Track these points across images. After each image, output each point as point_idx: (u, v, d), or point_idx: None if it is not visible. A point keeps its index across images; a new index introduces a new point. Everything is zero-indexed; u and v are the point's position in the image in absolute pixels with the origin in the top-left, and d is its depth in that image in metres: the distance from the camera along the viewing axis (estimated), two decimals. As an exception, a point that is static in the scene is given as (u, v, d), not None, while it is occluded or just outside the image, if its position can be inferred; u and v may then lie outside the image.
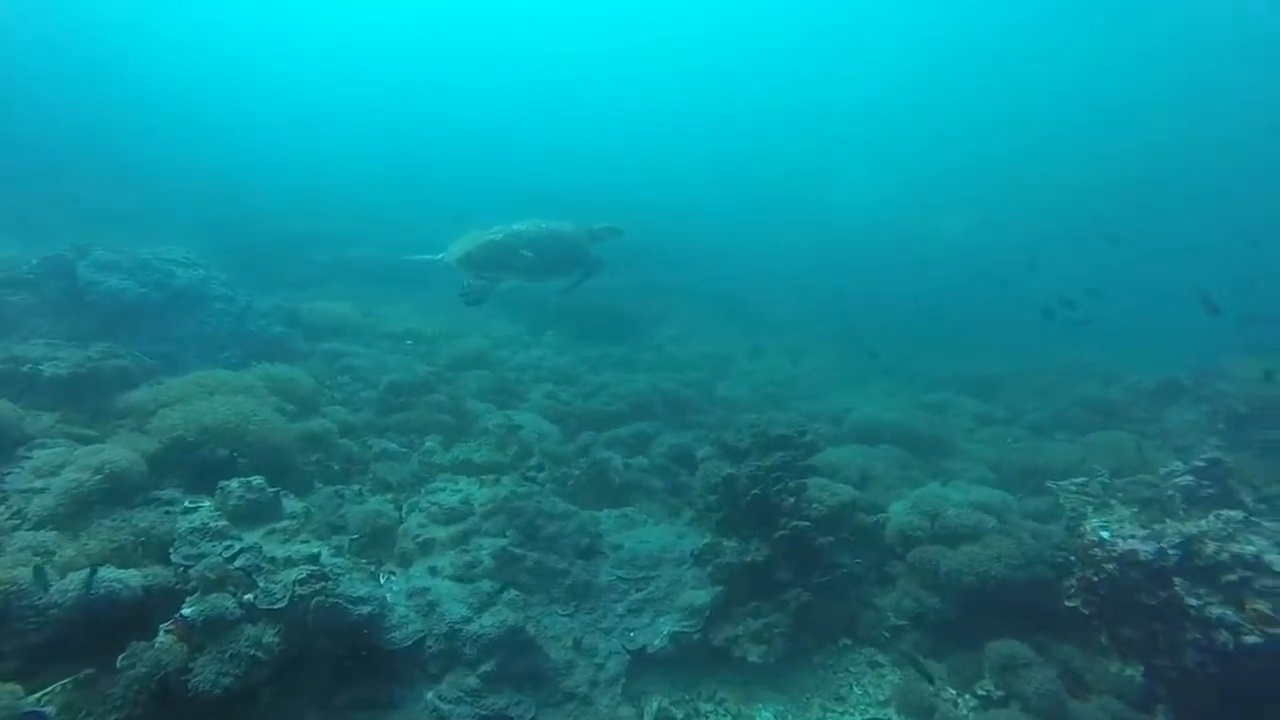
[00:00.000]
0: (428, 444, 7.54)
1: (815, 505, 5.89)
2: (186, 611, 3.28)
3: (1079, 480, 5.55)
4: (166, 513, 4.22)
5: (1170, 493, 5.11)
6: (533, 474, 7.37)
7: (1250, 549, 4.35)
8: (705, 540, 6.05)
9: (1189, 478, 5.18)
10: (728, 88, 51.65)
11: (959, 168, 39.98)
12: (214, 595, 3.40)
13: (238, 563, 3.69)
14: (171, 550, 3.73)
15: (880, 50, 44.86)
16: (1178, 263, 20.53)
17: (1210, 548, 4.46)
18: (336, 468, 6.30)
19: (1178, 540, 4.59)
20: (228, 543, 3.87)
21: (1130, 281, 20.68)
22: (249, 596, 3.51)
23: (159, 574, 3.61)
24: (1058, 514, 5.64)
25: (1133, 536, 4.47)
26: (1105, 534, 4.59)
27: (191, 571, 3.51)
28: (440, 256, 6.11)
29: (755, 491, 5.94)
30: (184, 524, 4.00)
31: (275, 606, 3.52)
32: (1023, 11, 35.77)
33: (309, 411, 7.18)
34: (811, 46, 47.77)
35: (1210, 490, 5.14)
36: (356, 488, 6.13)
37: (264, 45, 50.87)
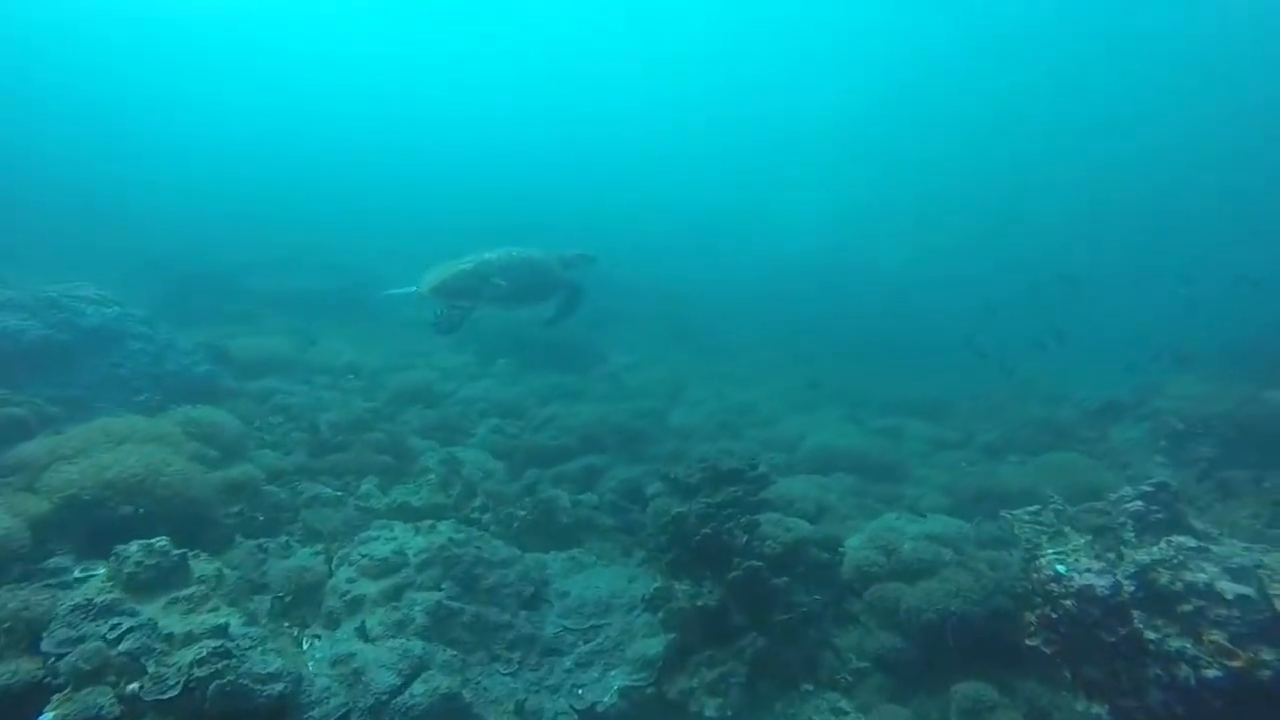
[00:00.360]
0: (364, 487, 7.11)
1: (769, 543, 5.67)
2: (47, 717, 2.84)
3: (1032, 509, 5.47)
4: (47, 586, 3.75)
5: (1122, 519, 5.05)
6: (476, 515, 7.02)
7: (1202, 576, 4.29)
8: (656, 583, 5.77)
9: (1138, 503, 5.14)
10: (676, 111, 52.55)
11: (909, 194, 41.08)
12: (87, 691, 2.97)
13: (124, 645, 3.26)
14: (45, 635, 3.27)
15: (836, 73, 46.09)
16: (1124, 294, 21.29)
17: (1164, 577, 4.39)
18: (261, 518, 5.84)
19: (1132, 570, 4.51)
20: (115, 621, 3.43)
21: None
22: (133, 687, 3.09)
23: (21, 669, 3.15)
24: (1013, 541, 5.53)
25: (1088, 570, 4.37)
26: (1061, 568, 4.49)
27: (62, 663, 3.07)
28: (414, 289, 6.05)
29: (706, 530, 5.70)
30: (66, 601, 3.54)
31: (165, 696, 3.10)
32: (990, 35, 37.26)
33: (234, 457, 6.69)
34: (760, 68, 48.92)
35: (1159, 515, 5.10)
36: (284, 539, 5.68)
37: (203, 66, 49.75)
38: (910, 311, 21.03)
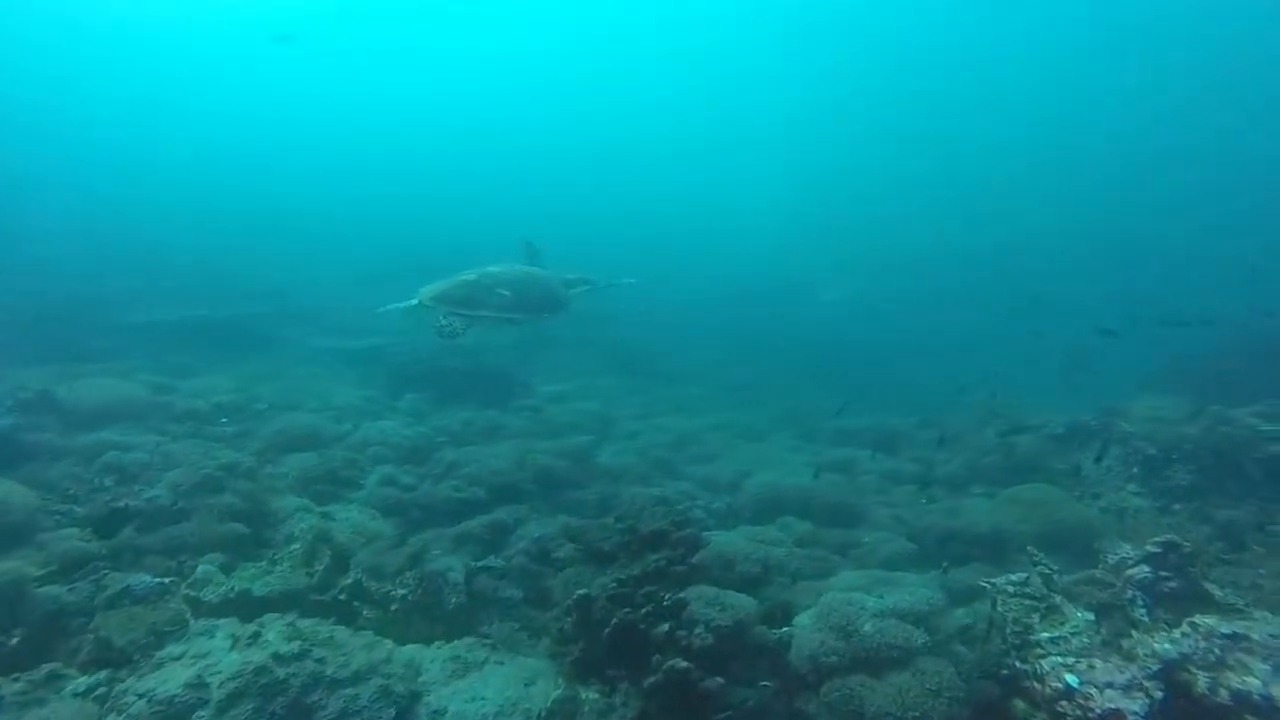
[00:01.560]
0: (201, 569, 5.66)
1: (699, 631, 4.49)
2: None
3: (1016, 579, 4.46)
4: None
5: (1130, 593, 4.05)
6: (345, 597, 5.66)
7: (1253, 682, 3.29)
8: (558, 690, 4.53)
9: (1145, 569, 4.16)
10: (616, 121, 51.97)
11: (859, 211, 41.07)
12: None
13: None
14: None
15: (789, 85, 46.15)
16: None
17: (1200, 681, 3.39)
18: (15, 640, 4.35)
19: (1156, 669, 3.50)
20: None
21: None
22: None
23: None
24: (997, 624, 4.49)
25: (1109, 685, 3.33)
26: (1073, 680, 3.43)
27: None
28: (414, 301, 6.03)
29: (618, 618, 4.51)
30: None
31: None
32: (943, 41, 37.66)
33: (12, 545, 5.18)
34: (707, 80, 48.79)
35: (1172, 583, 4.13)
36: (47, 670, 4.21)
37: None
38: (859, 335, 20.40)
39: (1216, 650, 3.46)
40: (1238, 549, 5.64)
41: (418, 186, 42.55)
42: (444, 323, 5.98)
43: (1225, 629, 3.55)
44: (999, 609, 4.25)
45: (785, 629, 5.02)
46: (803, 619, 4.96)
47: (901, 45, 41.55)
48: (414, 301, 6.15)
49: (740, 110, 47.79)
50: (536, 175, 49.63)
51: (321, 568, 5.77)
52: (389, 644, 4.90)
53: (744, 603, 4.89)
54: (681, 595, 4.76)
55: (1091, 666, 3.45)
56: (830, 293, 22.32)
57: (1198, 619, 3.70)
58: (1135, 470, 7.92)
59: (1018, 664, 4.03)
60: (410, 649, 5.01)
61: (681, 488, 8.52)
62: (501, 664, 4.96)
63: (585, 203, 40.60)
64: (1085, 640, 3.84)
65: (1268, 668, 3.31)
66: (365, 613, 5.54)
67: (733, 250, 28.93)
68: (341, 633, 4.61)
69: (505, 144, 53.15)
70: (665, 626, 4.48)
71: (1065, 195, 35.78)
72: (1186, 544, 4.20)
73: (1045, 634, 3.97)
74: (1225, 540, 5.95)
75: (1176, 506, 7.48)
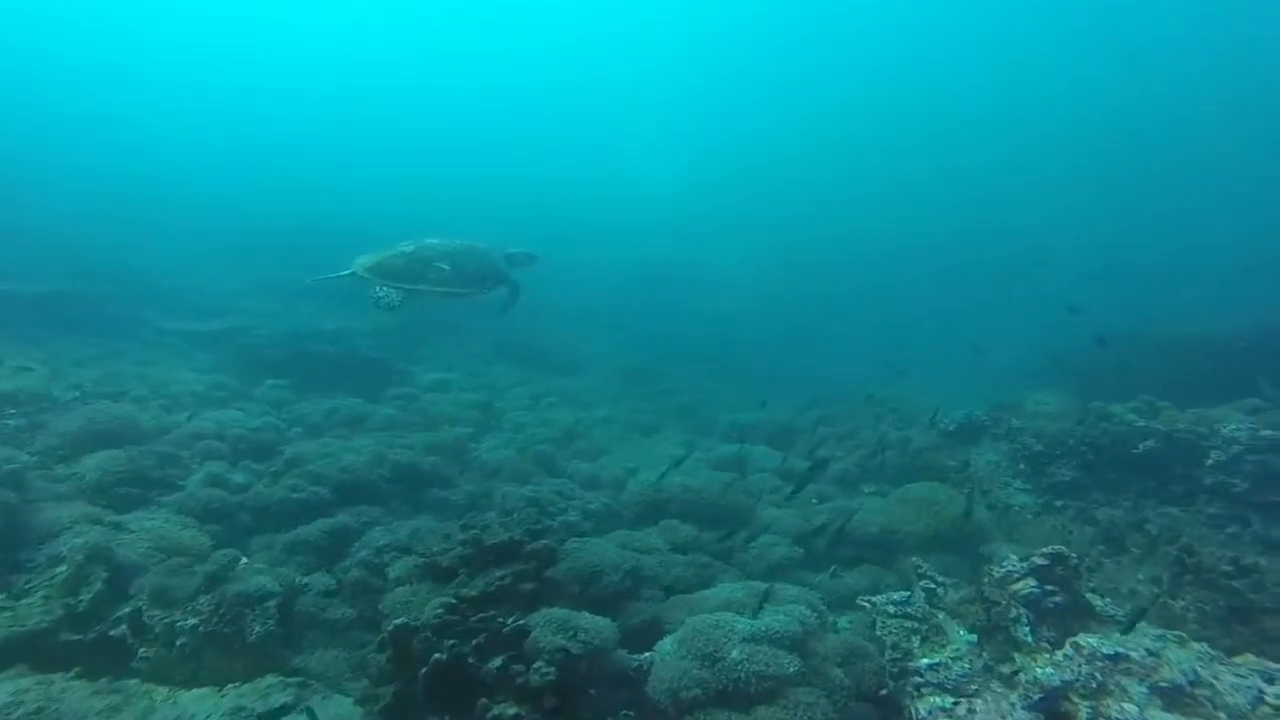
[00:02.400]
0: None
1: (540, 664, 3.78)
2: None
3: (897, 599, 3.98)
4: None
5: (1015, 611, 3.62)
6: (120, 633, 4.62)
7: (1130, 709, 2.89)
8: (364, 748, 3.72)
9: (1031, 584, 3.77)
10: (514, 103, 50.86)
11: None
12: None
13: None
14: None
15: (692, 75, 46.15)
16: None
17: (1082, 711, 2.96)
18: None
19: (1038, 698, 3.06)
20: None
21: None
22: None
23: None
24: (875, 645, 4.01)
25: (990, 728, 2.83)
26: (952, 725, 2.92)
27: None
28: (348, 270, 5.87)
29: (442, 653, 3.73)
30: None
31: None
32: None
33: None
34: (608, 69, 48.35)
35: (1057, 598, 3.75)
36: None
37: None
38: (761, 327, 20.23)
39: (1098, 675, 3.07)
40: (1118, 551, 5.46)
41: (301, 166, 39.83)
42: (380, 293, 5.78)
43: (1107, 649, 3.19)
44: (879, 631, 3.74)
45: (648, 654, 4.39)
46: (666, 644, 4.33)
47: (819, 47, 42.53)
48: (347, 271, 5.94)
49: (653, 104, 47.76)
50: (436, 158, 47.57)
51: (89, 596, 4.69)
52: (156, 696, 3.93)
53: (600, 626, 4.19)
54: (525, 621, 4.03)
55: (971, 712, 2.95)
56: (724, 297, 22.13)
57: (1081, 640, 3.32)
58: (1022, 466, 7.80)
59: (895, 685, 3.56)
60: (188, 698, 4.06)
61: (560, 486, 7.79)
62: (301, 714, 4.07)
63: (486, 186, 39.11)
64: (966, 666, 3.38)
65: (1144, 690, 2.94)
66: (142, 652, 4.52)
67: (639, 241, 28.33)
68: (77, 691, 3.60)
69: (408, 126, 51.05)
70: (498, 661, 3.74)
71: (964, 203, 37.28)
72: (1073, 556, 3.82)
73: (925, 660, 3.50)
74: (1106, 542, 5.78)
75: (1059, 503, 7.39)
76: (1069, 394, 8.53)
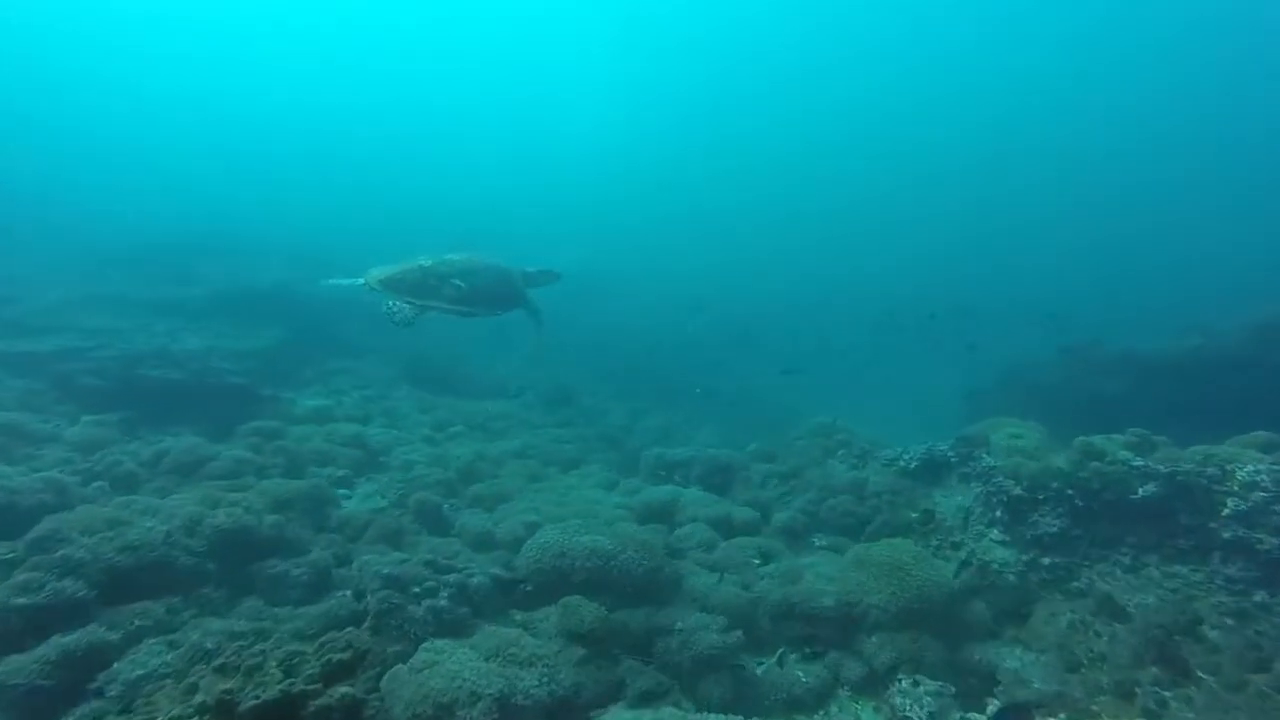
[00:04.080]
0: None
1: None
2: None
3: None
4: None
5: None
6: None
7: None
8: None
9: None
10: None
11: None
12: None
13: None
14: None
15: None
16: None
17: None
18: None
19: None
20: None
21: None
22: None
23: None
24: None
25: None
26: None
27: None
28: (360, 281, 5.70)
29: None
30: None
31: None
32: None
33: None
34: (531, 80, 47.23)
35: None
36: None
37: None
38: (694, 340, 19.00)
39: None
40: (1178, 674, 4.16)
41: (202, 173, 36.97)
42: (393, 308, 5.53)
43: None
44: None
45: None
46: None
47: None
48: (359, 282, 5.76)
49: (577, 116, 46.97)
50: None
51: None
52: None
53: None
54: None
55: None
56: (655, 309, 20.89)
57: None
58: (999, 514, 6.56)
59: None
60: None
61: (438, 551, 6.14)
62: None
63: (398, 196, 37.08)
64: None
65: None
66: None
67: (564, 251, 26.98)
68: None
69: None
70: None
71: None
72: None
73: None
74: (1160, 660, 4.45)
75: (1045, 560, 6.15)
76: (1041, 424, 7.38)
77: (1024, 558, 6.22)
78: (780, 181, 43.24)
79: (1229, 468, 5.63)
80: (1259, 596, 5.26)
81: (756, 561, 6.39)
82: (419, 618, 4.88)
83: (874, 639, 5.45)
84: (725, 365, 20.71)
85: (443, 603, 5.11)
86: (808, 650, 5.58)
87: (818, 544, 6.86)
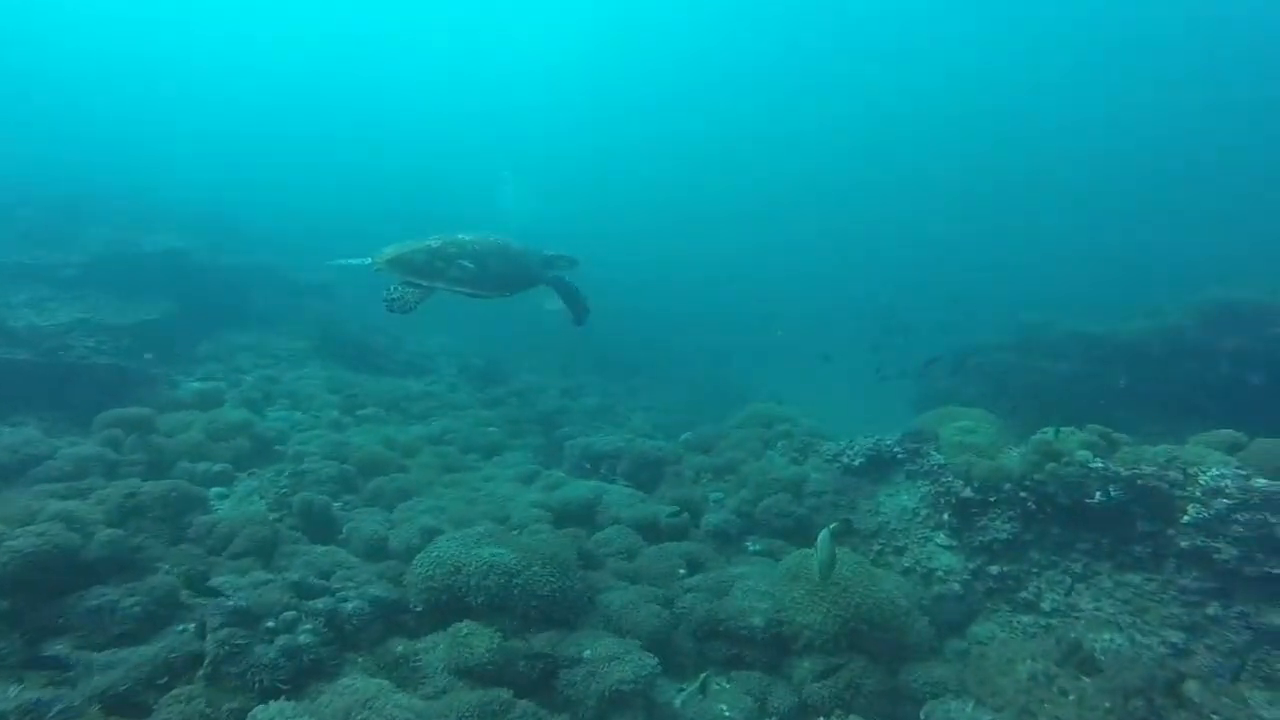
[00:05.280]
0: None
1: None
2: None
3: None
4: None
5: None
6: None
7: None
8: None
9: None
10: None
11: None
12: None
13: None
14: None
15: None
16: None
17: None
18: None
19: None
20: None
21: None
22: None
23: None
24: None
25: None
26: None
27: None
28: (368, 260, 5.47)
29: None
30: None
31: None
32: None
33: None
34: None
35: None
36: None
37: None
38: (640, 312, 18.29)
39: None
40: None
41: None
42: (396, 292, 5.31)
43: None
44: None
45: None
46: None
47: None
48: (367, 261, 5.50)
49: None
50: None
51: None
52: None
53: None
54: None
55: None
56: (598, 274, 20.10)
57: None
58: (946, 516, 6.03)
59: None
60: None
61: (321, 561, 5.29)
62: None
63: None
64: None
65: None
66: None
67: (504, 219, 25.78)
68: None
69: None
70: None
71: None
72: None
73: None
74: (1078, 664, 3.89)
75: (993, 569, 5.66)
76: (997, 418, 6.89)
77: (970, 565, 5.72)
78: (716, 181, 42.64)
79: (1192, 471, 5.17)
80: (1212, 609, 4.85)
81: (682, 571, 5.73)
82: (268, 662, 4.04)
83: (807, 663, 4.86)
84: (681, 339, 20.07)
85: (303, 639, 4.28)
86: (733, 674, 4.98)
87: (752, 549, 6.23)
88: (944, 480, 6.17)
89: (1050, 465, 5.65)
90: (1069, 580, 5.44)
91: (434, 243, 5.46)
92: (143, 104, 42.61)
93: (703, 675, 4.97)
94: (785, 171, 42.32)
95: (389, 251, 5.42)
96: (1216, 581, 4.91)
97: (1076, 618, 5.19)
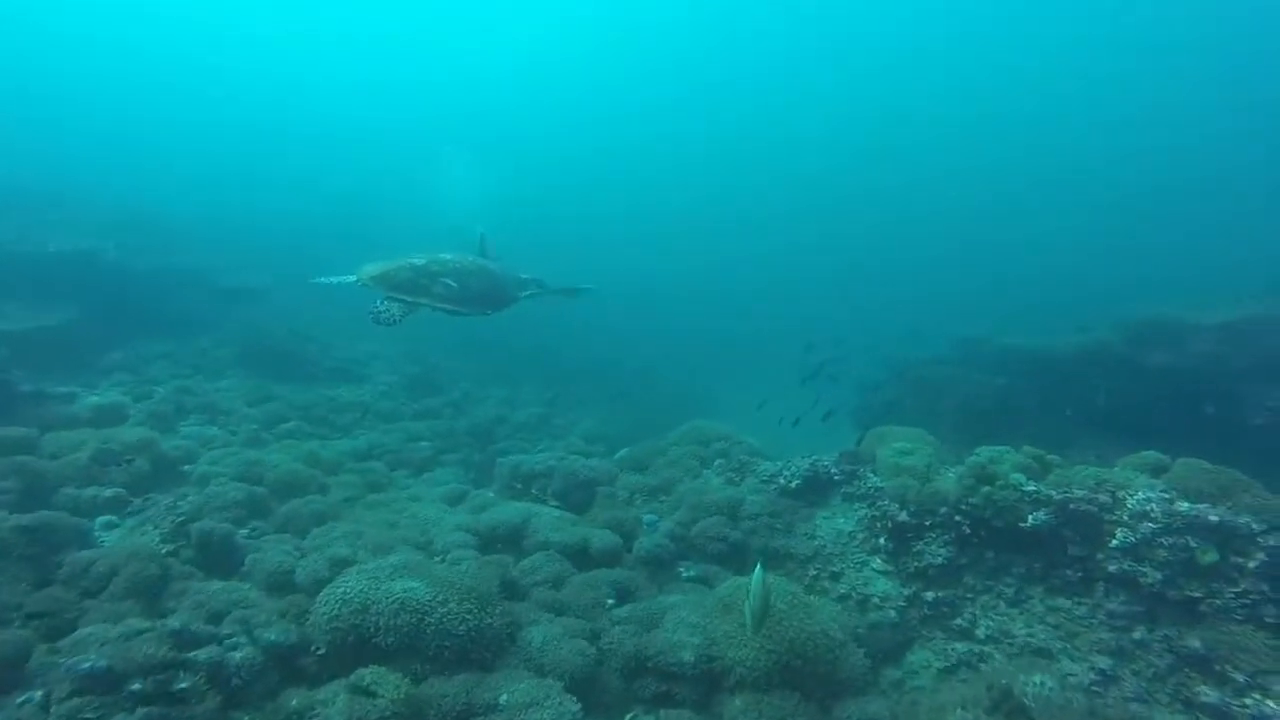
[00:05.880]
0: None
1: None
2: None
3: None
4: None
5: None
6: None
7: None
8: None
9: None
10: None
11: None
12: None
13: None
14: None
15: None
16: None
17: None
18: None
19: None
20: None
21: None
22: None
23: None
24: None
25: None
26: None
27: None
28: (353, 278, 5.72)
29: None
30: None
31: None
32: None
33: None
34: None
35: None
36: None
37: None
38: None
39: None
40: None
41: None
42: (381, 308, 5.49)
43: None
44: None
45: None
46: None
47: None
48: (351, 278, 5.66)
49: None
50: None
51: None
52: None
53: None
54: None
55: None
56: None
57: None
58: (882, 540, 5.92)
59: None
60: None
61: (217, 600, 4.83)
62: None
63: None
64: None
65: None
66: None
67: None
68: None
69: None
70: None
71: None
72: None
73: None
74: (1007, 713, 3.78)
75: (929, 595, 5.56)
76: (934, 438, 6.84)
77: (906, 591, 5.61)
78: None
79: (1120, 494, 5.17)
80: (1138, 633, 4.84)
81: (610, 601, 5.46)
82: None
83: (739, 700, 4.64)
84: (629, 347, 19.79)
85: (173, 704, 3.84)
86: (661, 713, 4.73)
87: (685, 574, 6.00)
88: (880, 504, 6.07)
89: (985, 489, 5.60)
90: (1002, 605, 5.38)
91: (418, 260, 5.66)
92: (61, 90, 40.21)
93: (628, 717, 4.75)
94: (759, 180, 42.64)
95: (371, 269, 5.62)
96: (1142, 605, 4.90)
97: (1009, 644, 5.14)
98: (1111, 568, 5.02)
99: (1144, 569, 4.89)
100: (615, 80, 45.52)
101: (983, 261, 33.22)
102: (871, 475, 6.37)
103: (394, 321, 5.52)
